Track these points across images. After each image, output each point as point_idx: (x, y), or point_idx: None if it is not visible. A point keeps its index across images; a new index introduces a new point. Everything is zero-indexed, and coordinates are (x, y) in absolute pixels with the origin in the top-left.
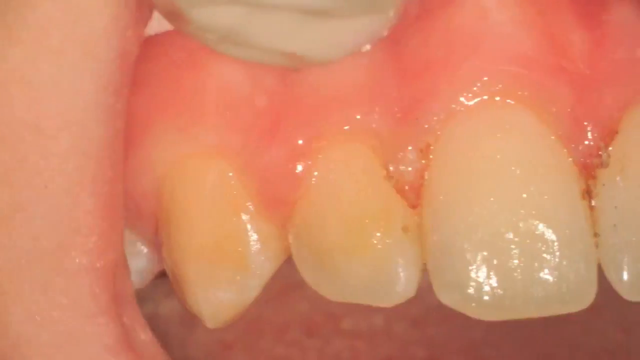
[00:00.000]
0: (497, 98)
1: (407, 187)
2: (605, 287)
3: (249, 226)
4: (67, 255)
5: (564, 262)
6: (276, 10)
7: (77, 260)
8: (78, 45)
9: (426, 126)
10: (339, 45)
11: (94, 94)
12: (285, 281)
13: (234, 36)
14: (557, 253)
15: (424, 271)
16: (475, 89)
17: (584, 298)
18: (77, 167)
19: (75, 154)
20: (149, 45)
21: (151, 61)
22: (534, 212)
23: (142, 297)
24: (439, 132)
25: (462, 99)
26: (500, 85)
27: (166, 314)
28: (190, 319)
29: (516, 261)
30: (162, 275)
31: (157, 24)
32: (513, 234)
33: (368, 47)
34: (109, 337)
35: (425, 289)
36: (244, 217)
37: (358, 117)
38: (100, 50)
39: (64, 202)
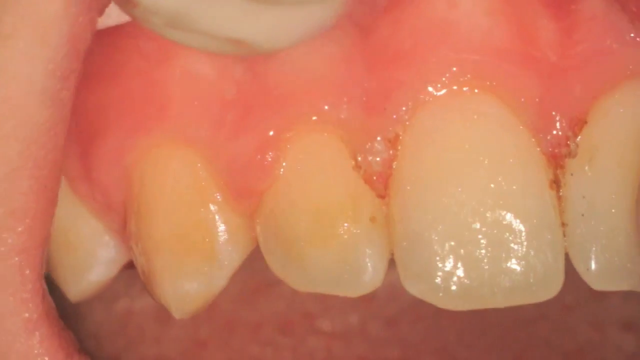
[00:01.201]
0: (466, 88)
1: (375, 178)
2: (577, 285)
3: (216, 217)
4: None
5: (532, 252)
6: None
7: (10, 241)
8: (29, 30)
9: (395, 116)
10: (285, 33)
11: (41, 79)
12: (261, 279)
13: (180, 21)
14: (525, 243)
15: (391, 261)
16: (444, 79)
17: (551, 288)
18: (19, 152)
19: (17, 139)
20: (116, 36)
21: (120, 52)
22: (501, 202)
23: (116, 293)
24: (407, 123)
25: (430, 89)
26: (468, 75)
27: (141, 311)
28: (165, 315)
29: (483, 251)
30: (136, 271)
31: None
32: (480, 224)
33: (314, 36)
34: (30, 312)
35: (399, 289)
36: (212, 207)
37: (326, 107)
38: (50, 36)
39: (2, 185)
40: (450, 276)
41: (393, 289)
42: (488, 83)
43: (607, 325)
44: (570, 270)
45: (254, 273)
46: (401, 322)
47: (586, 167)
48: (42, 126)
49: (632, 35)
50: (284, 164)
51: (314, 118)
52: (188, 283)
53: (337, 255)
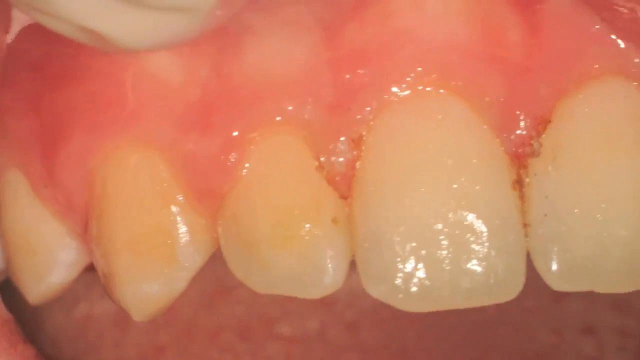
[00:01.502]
0: (430, 88)
1: (338, 178)
2: (537, 288)
3: (178, 218)
4: None
5: (493, 253)
6: None
7: None
8: None
9: (359, 117)
10: (144, 35)
11: None
12: (220, 284)
13: (42, 3)
14: (486, 244)
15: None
16: (408, 79)
17: (512, 289)
18: None
19: None
20: None
21: (83, 53)
22: (463, 202)
23: (76, 297)
24: (371, 123)
25: (395, 89)
26: (433, 75)
27: (100, 315)
28: (125, 320)
29: (445, 252)
30: (97, 275)
31: None
32: (442, 225)
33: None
34: None
35: (359, 293)
36: (174, 209)
37: (290, 108)
38: None
39: None
40: (410, 277)
41: (353, 294)
42: (453, 83)
43: (567, 329)
44: (530, 274)
45: (213, 278)
46: (361, 327)
47: (549, 167)
48: None
49: (597, 33)
50: (246, 165)
51: (278, 119)
52: (148, 285)
53: (298, 256)
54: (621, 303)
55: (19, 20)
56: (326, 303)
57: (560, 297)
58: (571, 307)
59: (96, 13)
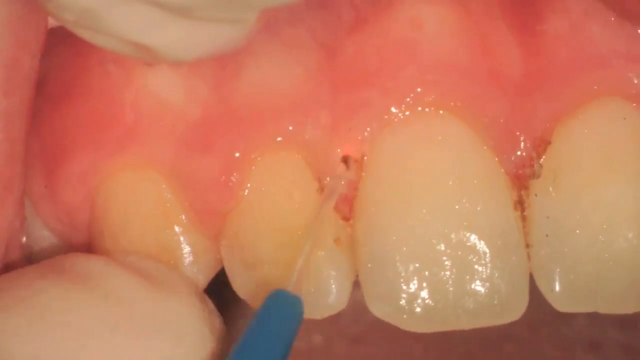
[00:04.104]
0: (430, 109)
1: (340, 199)
2: (542, 305)
3: (181, 238)
4: None
5: (496, 274)
6: (138, 1)
7: None
8: None
9: (360, 137)
10: (193, 46)
11: None
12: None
13: (91, 20)
14: (489, 264)
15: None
16: (408, 99)
17: (515, 309)
18: None
19: None
20: (80, 57)
21: (85, 73)
22: (465, 223)
23: None
24: (372, 143)
25: (395, 109)
26: (433, 96)
27: None
28: None
29: (448, 272)
30: None
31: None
32: (445, 246)
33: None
34: None
35: (365, 307)
36: (177, 229)
37: (291, 128)
38: None
39: None
40: (414, 298)
41: (358, 308)
42: (452, 104)
43: (573, 345)
44: (535, 290)
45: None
46: (366, 341)
47: (550, 188)
48: None
49: (596, 54)
50: (248, 185)
51: (279, 139)
52: None
53: (301, 277)
54: (627, 320)
55: None
56: (331, 317)
57: (566, 313)
58: (577, 323)
59: (147, 28)
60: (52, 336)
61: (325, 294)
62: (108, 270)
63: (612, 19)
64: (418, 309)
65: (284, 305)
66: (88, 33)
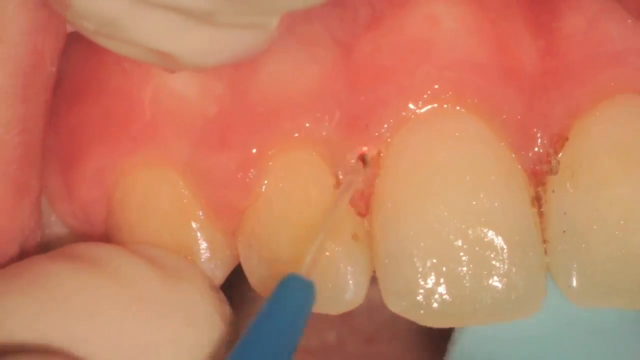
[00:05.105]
0: (447, 105)
1: (356, 196)
2: None
3: (198, 234)
4: None
5: (513, 269)
6: (159, 9)
7: None
8: None
9: (376, 134)
10: (215, 52)
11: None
12: (240, 296)
13: (111, 29)
14: (506, 260)
15: (372, 278)
16: (425, 96)
17: (532, 305)
18: None
19: None
20: (97, 54)
21: (102, 70)
22: (483, 219)
23: None
24: (389, 140)
25: (412, 106)
26: (450, 93)
27: None
28: None
29: (465, 268)
30: None
31: None
32: (462, 241)
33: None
34: None
35: (378, 306)
36: (194, 225)
37: (307, 124)
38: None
39: None
40: (431, 293)
41: (372, 306)
42: (469, 100)
43: None
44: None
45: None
46: (380, 339)
47: (567, 184)
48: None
49: (613, 51)
50: (265, 181)
51: (296, 135)
52: None
53: (318, 273)
54: None
55: None
56: (344, 315)
57: None
58: None
59: (168, 35)
60: (63, 316)
61: (342, 290)
62: (119, 255)
63: (628, 17)
64: (435, 305)
65: (297, 289)
66: (108, 41)
